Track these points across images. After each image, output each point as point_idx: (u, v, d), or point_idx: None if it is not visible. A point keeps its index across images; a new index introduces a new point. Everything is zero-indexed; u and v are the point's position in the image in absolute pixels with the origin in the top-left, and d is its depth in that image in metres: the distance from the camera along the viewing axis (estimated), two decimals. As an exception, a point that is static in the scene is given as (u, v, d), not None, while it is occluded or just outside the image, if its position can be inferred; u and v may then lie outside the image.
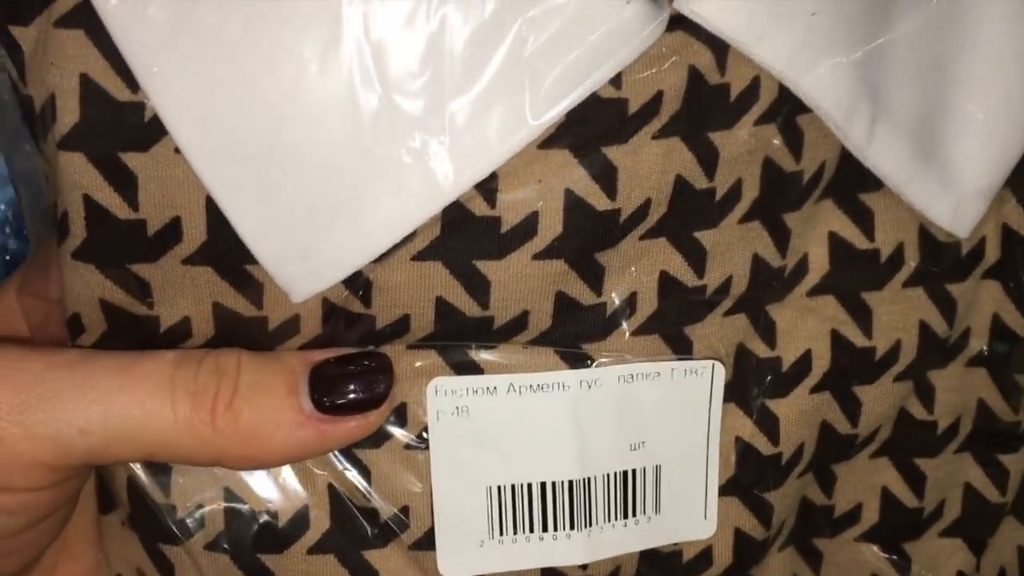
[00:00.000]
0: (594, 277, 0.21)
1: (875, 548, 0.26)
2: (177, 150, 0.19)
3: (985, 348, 0.24)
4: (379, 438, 0.22)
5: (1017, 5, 0.21)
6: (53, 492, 0.20)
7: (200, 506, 0.22)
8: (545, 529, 0.22)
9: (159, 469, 0.22)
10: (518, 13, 0.18)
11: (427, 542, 0.22)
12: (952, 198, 0.22)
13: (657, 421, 0.22)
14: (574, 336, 0.22)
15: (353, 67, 0.18)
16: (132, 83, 0.19)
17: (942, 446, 0.25)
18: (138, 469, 0.22)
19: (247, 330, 0.21)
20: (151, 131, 0.19)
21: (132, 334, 0.21)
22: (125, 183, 0.19)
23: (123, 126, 0.19)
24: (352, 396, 0.20)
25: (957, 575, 0.26)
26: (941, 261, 0.23)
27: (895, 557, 0.26)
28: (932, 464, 0.25)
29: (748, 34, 0.19)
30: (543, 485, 0.22)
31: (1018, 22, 0.21)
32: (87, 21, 0.19)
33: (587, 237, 0.20)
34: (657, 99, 0.19)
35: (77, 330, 0.21)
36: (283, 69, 0.18)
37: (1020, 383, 0.25)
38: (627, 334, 0.22)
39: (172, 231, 0.20)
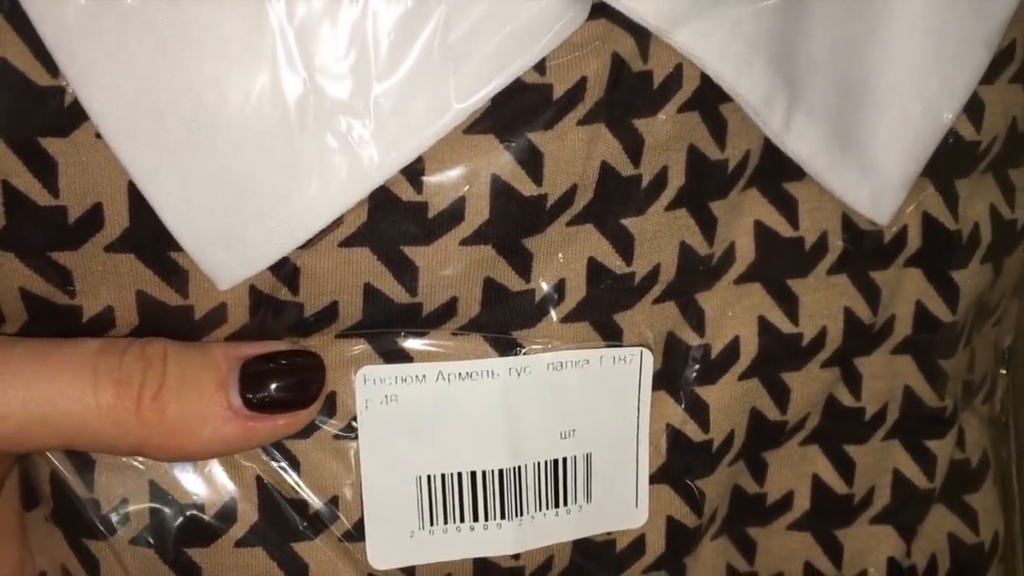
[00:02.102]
0: (522, 263, 0.21)
1: (807, 536, 0.26)
2: (98, 135, 0.19)
3: (910, 335, 0.25)
4: (308, 429, 0.22)
5: (929, 14, 0.21)
6: None
7: (125, 500, 0.21)
8: (476, 519, 0.22)
9: (83, 463, 0.21)
10: (448, 28, 0.18)
11: (357, 533, 0.22)
12: (871, 185, 0.23)
13: (587, 408, 0.23)
14: (503, 323, 0.22)
15: (277, 49, 0.18)
16: (52, 67, 0.18)
17: (870, 433, 0.25)
18: (61, 463, 0.21)
19: (173, 320, 0.20)
20: (71, 116, 0.19)
21: (54, 324, 0.20)
22: (45, 169, 0.19)
23: (43, 111, 0.19)
24: (282, 395, 0.20)
25: (888, 562, 0.26)
26: (864, 248, 0.24)
27: (827, 544, 0.26)
28: (861, 451, 0.25)
29: (667, 21, 0.19)
30: (473, 474, 0.22)
31: (929, 12, 0.21)
32: (6, 5, 0.18)
33: (514, 222, 0.20)
34: (581, 85, 0.20)
35: None
36: (206, 52, 0.18)
37: (945, 369, 0.25)
38: (556, 321, 0.22)
39: (93, 218, 0.19)
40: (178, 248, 0.20)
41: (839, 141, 0.22)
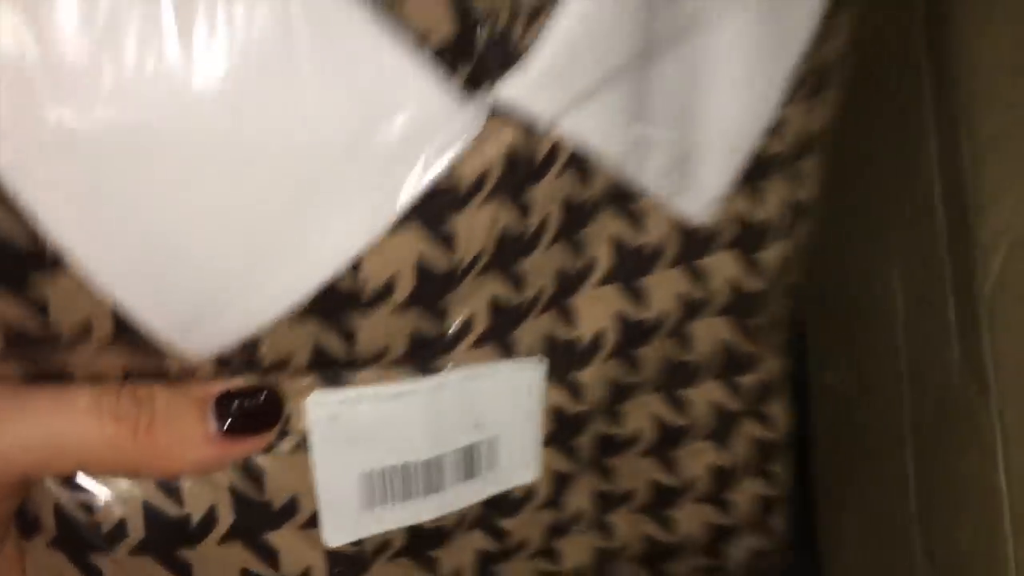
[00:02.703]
0: (440, 314, 0.25)
1: (651, 459, 0.32)
2: (81, 277, 0.21)
3: (726, 301, 0.30)
4: (270, 446, 0.26)
5: (741, 64, 0.27)
6: None
7: (123, 520, 0.25)
8: (407, 498, 0.27)
9: (84, 493, 0.25)
10: (375, 130, 0.21)
11: (313, 521, 0.27)
12: (698, 201, 0.28)
13: (493, 405, 0.28)
14: (422, 357, 0.26)
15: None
16: (27, 227, 0.20)
17: (697, 378, 0.32)
18: (62, 495, 0.25)
19: (155, 376, 0.24)
20: (56, 263, 0.21)
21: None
22: (36, 306, 0.21)
23: (27, 263, 0.21)
24: (249, 423, 0.24)
25: (709, 468, 0.33)
26: (696, 243, 0.29)
27: (666, 462, 0.33)
28: (693, 392, 0.32)
29: (547, 114, 0.23)
30: (404, 466, 0.27)
31: (741, 64, 0.26)
32: None
33: (435, 288, 0.24)
34: (483, 176, 0.23)
35: None
36: (166, 168, 0.20)
37: (752, 327, 0.32)
38: (465, 349, 0.26)
39: (84, 331, 0.22)
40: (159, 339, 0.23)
41: (674, 172, 0.27)
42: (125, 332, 0.22)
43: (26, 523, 0.25)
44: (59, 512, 0.25)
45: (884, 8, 0.39)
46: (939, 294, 0.36)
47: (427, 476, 0.27)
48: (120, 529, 0.25)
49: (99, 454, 0.23)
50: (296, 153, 0.21)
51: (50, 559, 0.25)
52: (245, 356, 0.24)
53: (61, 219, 0.20)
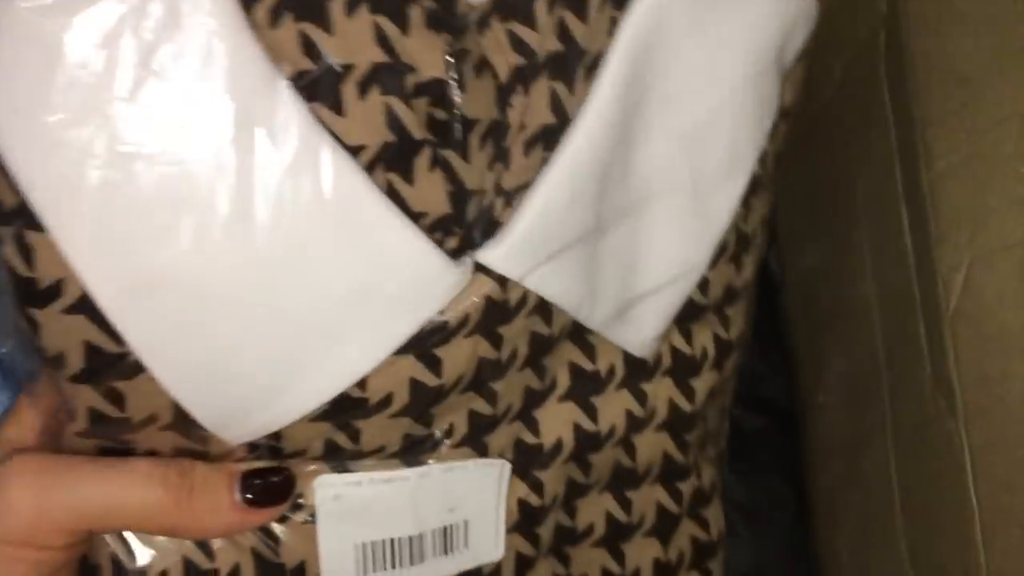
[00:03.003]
0: (427, 422, 0.30)
1: (602, 550, 0.36)
2: (152, 379, 0.26)
3: (665, 419, 0.35)
4: (284, 517, 0.30)
5: (673, 237, 0.32)
6: (63, 553, 0.27)
7: (164, 571, 0.29)
8: (394, 567, 0.32)
9: (134, 546, 0.29)
10: (383, 283, 0.27)
11: None
12: (638, 337, 0.33)
13: (467, 494, 0.32)
14: (413, 454, 0.31)
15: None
16: (118, 341, 0.26)
17: (642, 482, 0.36)
18: (116, 547, 0.29)
19: (199, 455, 0.29)
20: (135, 368, 0.26)
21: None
22: (116, 399, 0.27)
23: (114, 367, 0.26)
24: (267, 496, 0.29)
25: (653, 562, 0.37)
26: (639, 370, 0.34)
27: (615, 554, 0.36)
28: (636, 493, 0.36)
29: (518, 275, 0.29)
30: (392, 540, 0.31)
31: (674, 242, 0.32)
32: (89, 309, 0.25)
33: (424, 402, 0.29)
34: (465, 319, 0.29)
35: None
36: (226, 304, 0.26)
37: (688, 439, 0.36)
38: (448, 449, 0.31)
39: (150, 419, 0.28)
40: (204, 428, 0.28)
41: (620, 319, 0.33)
42: (181, 421, 0.28)
43: (87, 569, 0.30)
44: (115, 562, 0.30)
45: (851, 46, 0.41)
46: (911, 315, 0.38)
47: (411, 549, 0.32)
48: None
49: (149, 515, 0.28)
50: (322, 297, 0.27)
51: None
52: (271, 444, 0.29)
53: (143, 338, 0.26)
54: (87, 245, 0.25)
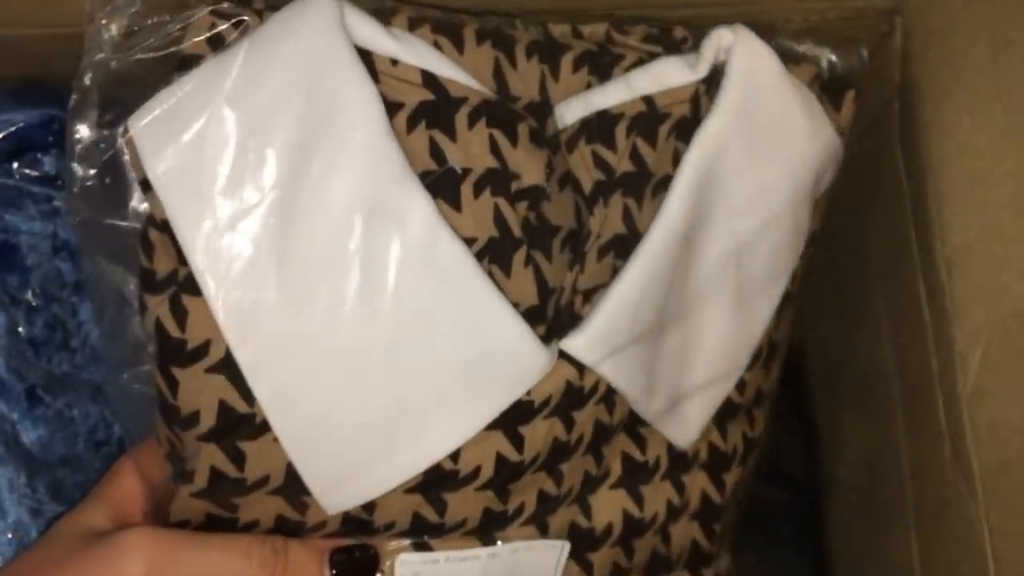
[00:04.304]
0: (505, 497, 0.33)
1: None
2: (275, 439, 0.29)
3: (698, 509, 0.37)
4: None
5: (719, 340, 0.35)
6: None
7: None
8: None
9: None
10: (484, 362, 0.30)
11: None
12: (684, 431, 0.36)
13: (529, 573, 0.34)
14: (488, 530, 0.33)
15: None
16: (249, 399, 0.29)
17: (672, 568, 0.37)
18: None
19: (292, 528, 0.32)
20: (261, 428, 0.29)
21: (220, 528, 0.32)
22: (238, 458, 0.30)
23: (242, 426, 0.29)
24: (355, 572, 0.31)
25: None
26: (680, 463, 0.36)
27: None
28: None
29: (595, 363, 0.32)
30: None
31: (721, 343, 0.35)
32: (228, 369, 0.29)
33: (505, 476, 0.32)
34: (547, 400, 0.32)
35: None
36: (346, 377, 0.29)
37: (716, 530, 0.38)
38: (517, 527, 0.34)
39: (263, 481, 0.30)
40: (308, 493, 0.30)
41: (670, 412, 0.35)
42: (290, 484, 0.30)
43: None
44: None
45: (866, 115, 0.40)
46: (929, 390, 0.37)
47: None
48: None
49: None
50: (431, 370, 0.30)
51: None
52: (362, 518, 0.31)
53: (273, 398, 0.29)
54: (236, 308, 0.28)
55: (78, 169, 0.30)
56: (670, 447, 0.36)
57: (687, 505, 0.37)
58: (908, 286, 0.38)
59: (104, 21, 0.30)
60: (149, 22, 0.30)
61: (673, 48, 0.34)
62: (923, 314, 0.37)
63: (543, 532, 0.34)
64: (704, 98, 0.33)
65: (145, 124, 0.28)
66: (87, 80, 0.30)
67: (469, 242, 0.30)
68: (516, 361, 0.30)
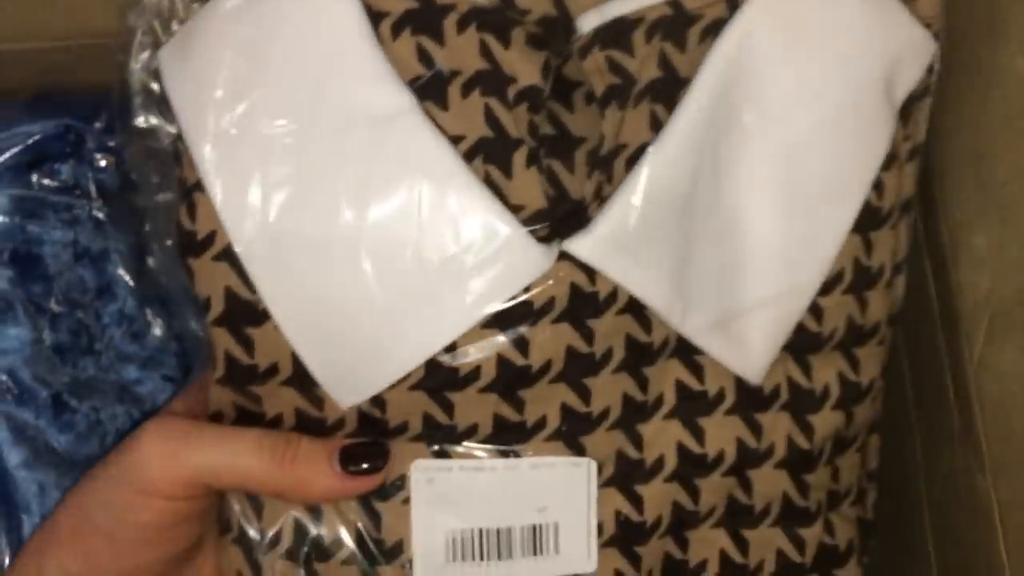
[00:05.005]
0: (518, 405, 0.32)
1: None
2: (275, 327, 0.31)
3: (784, 456, 0.34)
4: (387, 495, 0.33)
5: (777, 242, 0.32)
6: (186, 504, 0.31)
7: (279, 530, 0.33)
8: (482, 559, 0.33)
9: (256, 507, 0.33)
10: (474, 261, 0.31)
11: (411, 564, 0.33)
12: (743, 357, 0.33)
13: (555, 494, 0.33)
14: (506, 441, 0.33)
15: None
16: (251, 288, 0.31)
17: (759, 521, 0.35)
18: (241, 506, 0.33)
19: (313, 425, 0.33)
20: (264, 316, 0.31)
21: (248, 420, 0.33)
22: (247, 344, 0.32)
23: (245, 312, 0.31)
24: (362, 465, 0.32)
25: None
26: (753, 399, 0.34)
27: None
28: (753, 533, 0.35)
29: (602, 265, 0.31)
30: (480, 531, 0.33)
31: (779, 243, 0.32)
32: (230, 258, 0.31)
33: (511, 380, 0.32)
34: (551, 302, 0.31)
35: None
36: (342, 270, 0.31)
37: (807, 480, 0.35)
38: (540, 441, 0.33)
39: (273, 369, 0.32)
40: (318, 385, 0.32)
41: (720, 330, 0.33)
42: (299, 377, 0.32)
43: (224, 523, 0.34)
44: (239, 522, 0.33)
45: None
46: (938, 366, 0.37)
47: (499, 544, 0.33)
48: (277, 537, 0.33)
49: (257, 477, 0.31)
50: (418, 264, 0.30)
51: (232, 554, 0.34)
52: (376, 417, 0.32)
53: (271, 289, 0.31)
54: (234, 201, 0.30)
55: (137, 105, 0.33)
56: (739, 380, 0.34)
57: (771, 450, 0.34)
58: (914, 259, 0.39)
59: None
60: None
61: None
62: (929, 288, 0.38)
63: (577, 452, 0.33)
64: None
65: (167, 52, 0.32)
66: (129, 20, 0.33)
67: (456, 140, 0.30)
68: (504, 256, 0.30)
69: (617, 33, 0.31)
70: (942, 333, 0.37)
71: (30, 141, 0.36)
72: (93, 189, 0.37)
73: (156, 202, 0.34)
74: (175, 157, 0.32)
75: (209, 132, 0.31)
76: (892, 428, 0.43)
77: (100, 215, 0.37)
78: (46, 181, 0.37)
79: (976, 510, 0.35)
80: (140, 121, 0.33)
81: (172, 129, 0.32)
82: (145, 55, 0.32)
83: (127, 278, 0.38)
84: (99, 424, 0.37)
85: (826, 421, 0.34)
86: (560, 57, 0.31)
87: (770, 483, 0.35)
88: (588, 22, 0.31)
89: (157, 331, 0.38)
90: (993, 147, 0.34)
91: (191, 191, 0.31)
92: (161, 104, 0.32)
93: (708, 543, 0.35)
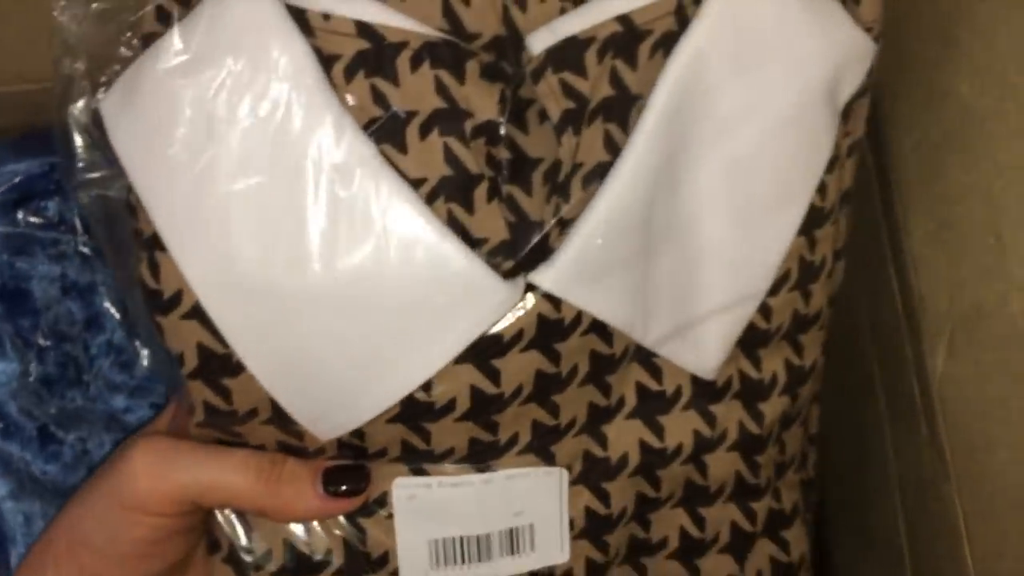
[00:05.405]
0: (492, 427, 0.34)
1: (677, 563, 0.38)
2: (252, 376, 0.31)
3: (736, 440, 0.36)
4: (371, 511, 0.34)
5: (729, 253, 0.33)
6: (174, 520, 0.32)
7: (269, 549, 0.34)
8: (463, 562, 0.35)
9: (246, 526, 0.34)
10: (441, 300, 0.31)
11: (397, 573, 0.35)
12: (700, 359, 0.35)
13: (530, 500, 0.35)
14: (481, 459, 0.34)
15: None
16: (223, 344, 0.31)
17: (714, 500, 0.37)
18: (229, 524, 0.34)
19: (295, 452, 0.34)
20: (238, 368, 0.31)
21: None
22: (224, 393, 0.32)
23: (221, 366, 0.32)
24: (344, 487, 0.33)
25: None
26: (707, 393, 0.36)
27: (690, 569, 0.38)
28: (709, 511, 0.37)
29: (565, 294, 0.32)
30: (461, 538, 0.35)
31: (732, 262, 0.34)
32: (200, 316, 0.31)
33: (484, 409, 0.33)
34: (520, 333, 0.32)
35: None
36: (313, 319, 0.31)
37: (759, 460, 0.37)
38: (513, 455, 0.34)
39: (253, 412, 0.33)
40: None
41: (679, 336, 0.34)
42: (278, 416, 0.32)
43: (212, 542, 0.35)
44: (229, 541, 0.35)
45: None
46: (906, 376, 0.38)
47: (479, 548, 0.35)
48: (267, 556, 0.35)
49: (243, 496, 0.32)
50: (388, 309, 0.31)
51: (223, 571, 0.35)
52: (356, 444, 0.33)
53: (243, 343, 0.31)
54: (199, 261, 0.31)
55: (79, 148, 0.33)
56: (694, 378, 0.35)
57: (724, 436, 0.36)
58: (883, 276, 0.39)
59: (62, 3, 0.32)
60: (108, 4, 0.32)
61: None
62: (896, 304, 0.39)
63: (547, 461, 0.35)
64: (692, 8, 0.32)
65: (109, 103, 0.31)
66: (64, 67, 0.32)
67: (417, 183, 0.30)
68: (473, 297, 0.31)
69: (569, 54, 0.31)
70: (909, 346, 0.38)
71: (16, 180, 0.38)
72: (79, 224, 0.39)
73: (109, 239, 0.34)
74: (128, 207, 0.32)
75: (165, 191, 0.31)
76: (866, 435, 0.44)
77: (86, 250, 0.38)
78: (32, 218, 0.38)
79: (944, 518, 0.36)
80: (82, 165, 0.32)
81: (119, 177, 0.32)
82: (83, 101, 0.32)
83: (113, 311, 0.39)
84: (86, 454, 0.38)
85: (775, 408, 0.37)
86: (513, 82, 0.31)
87: (724, 465, 0.37)
88: (539, 40, 0.31)
89: (145, 361, 0.39)
90: (944, 167, 0.35)
91: (151, 247, 0.31)
92: (104, 149, 0.32)
93: (668, 522, 0.37)
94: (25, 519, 0.36)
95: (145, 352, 0.39)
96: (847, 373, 0.46)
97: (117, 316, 0.39)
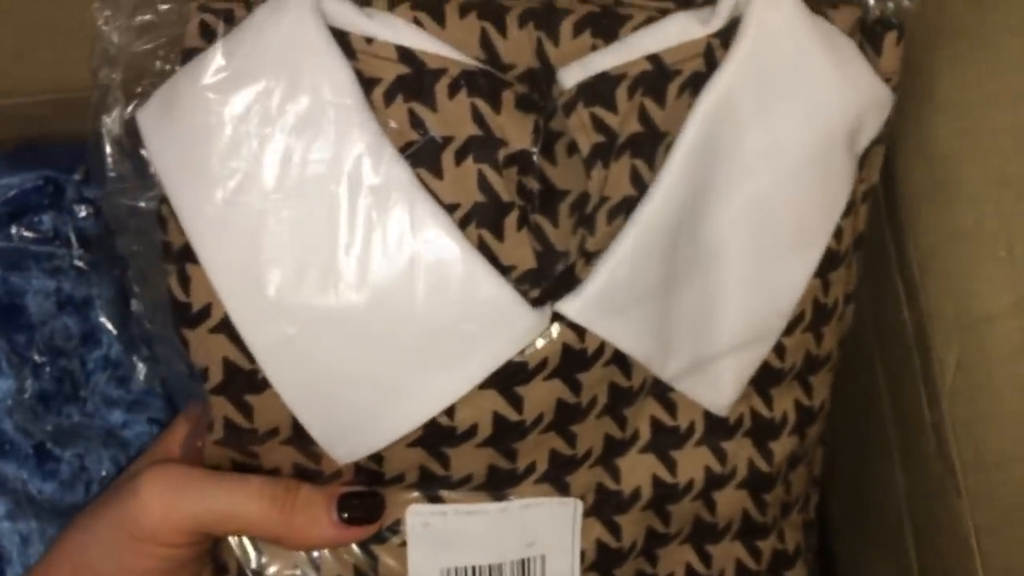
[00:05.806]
0: (510, 456, 0.34)
1: None
2: (276, 394, 0.31)
3: (745, 477, 0.37)
4: (383, 539, 0.34)
5: (748, 291, 0.34)
6: (186, 550, 0.32)
7: (280, 573, 0.34)
8: None
9: (257, 550, 0.34)
10: (469, 325, 0.31)
11: None
12: (715, 395, 0.35)
13: (544, 530, 0.35)
14: (497, 487, 0.34)
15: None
16: (251, 359, 0.31)
17: (721, 537, 0.37)
18: (242, 551, 0.34)
19: (310, 477, 0.34)
20: (263, 384, 0.31)
21: (248, 470, 0.34)
22: (247, 411, 0.32)
23: (245, 382, 0.32)
24: (358, 515, 0.33)
25: None
26: (719, 429, 0.36)
27: None
28: (715, 548, 0.37)
29: (590, 325, 0.32)
30: (473, 568, 0.35)
31: (748, 304, 0.34)
32: (228, 330, 0.31)
33: (505, 436, 0.33)
34: (544, 362, 0.32)
35: None
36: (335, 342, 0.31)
37: (766, 499, 0.37)
38: (529, 484, 0.34)
39: (273, 432, 0.33)
40: (317, 444, 0.32)
41: (696, 372, 0.35)
42: (298, 437, 0.32)
43: (218, 567, 0.35)
44: (238, 565, 0.35)
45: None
46: (914, 388, 0.38)
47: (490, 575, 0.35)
48: None
49: (258, 524, 0.32)
50: (417, 331, 0.31)
51: None
52: (373, 469, 0.33)
53: (270, 360, 0.31)
54: (230, 276, 0.31)
55: (110, 159, 0.33)
56: (707, 413, 0.36)
57: (733, 473, 0.37)
58: (889, 284, 0.39)
59: (107, 13, 0.32)
60: (149, 17, 0.32)
61: (687, 5, 0.34)
62: (903, 313, 0.38)
63: (562, 491, 0.35)
64: (720, 51, 0.32)
65: (147, 114, 0.31)
66: (101, 76, 0.32)
67: (452, 208, 0.31)
68: (501, 323, 0.31)
69: (601, 90, 0.32)
70: (917, 357, 0.37)
71: (10, 194, 0.37)
72: (74, 238, 0.38)
73: (134, 251, 0.34)
74: (159, 219, 0.32)
75: (200, 204, 0.31)
76: (871, 447, 0.44)
77: (82, 264, 0.38)
78: (27, 232, 0.37)
79: (954, 532, 0.36)
80: (114, 175, 0.32)
81: (150, 188, 0.32)
82: (117, 111, 0.32)
83: (109, 325, 0.38)
84: (83, 471, 0.38)
85: (784, 447, 0.37)
86: (546, 114, 0.32)
87: (732, 502, 0.37)
88: (571, 75, 0.32)
89: (142, 376, 0.38)
90: (952, 178, 0.35)
91: (182, 259, 0.31)
92: (135, 159, 0.32)
93: (675, 558, 0.37)
94: (22, 539, 0.36)
95: (142, 366, 0.39)
96: (853, 384, 0.45)
97: (113, 331, 0.38)
